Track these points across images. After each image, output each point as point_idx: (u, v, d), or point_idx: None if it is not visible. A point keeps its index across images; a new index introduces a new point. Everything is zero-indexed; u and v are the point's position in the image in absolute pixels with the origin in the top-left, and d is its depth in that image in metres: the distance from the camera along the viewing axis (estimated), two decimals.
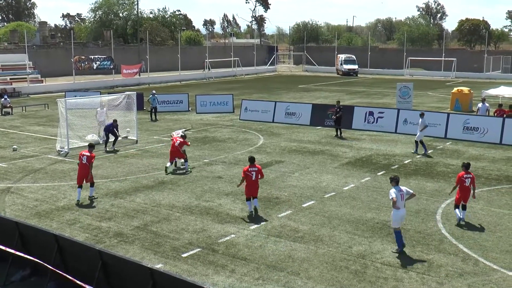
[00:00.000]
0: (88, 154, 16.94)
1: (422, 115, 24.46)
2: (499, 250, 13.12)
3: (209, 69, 71.48)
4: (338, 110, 28.30)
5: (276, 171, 20.94)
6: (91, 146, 17.34)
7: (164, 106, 37.79)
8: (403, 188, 13.17)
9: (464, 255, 12.84)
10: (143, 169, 21.35)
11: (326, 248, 13.23)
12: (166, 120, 34.12)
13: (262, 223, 14.95)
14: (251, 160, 15.62)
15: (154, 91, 36.23)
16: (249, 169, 15.42)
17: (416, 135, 24.24)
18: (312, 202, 16.94)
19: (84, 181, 16.98)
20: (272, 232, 14.30)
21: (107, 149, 24.57)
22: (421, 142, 24.00)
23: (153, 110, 34.46)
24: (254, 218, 15.33)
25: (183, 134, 21.54)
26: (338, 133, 28.20)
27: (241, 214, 15.68)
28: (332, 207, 16.44)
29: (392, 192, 12.85)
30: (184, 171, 20.69)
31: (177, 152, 20.49)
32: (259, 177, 15.49)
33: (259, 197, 15.81)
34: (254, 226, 14.70)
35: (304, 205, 16.61)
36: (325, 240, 13.75)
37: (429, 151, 24.45)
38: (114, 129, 24.58)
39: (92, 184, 17.18)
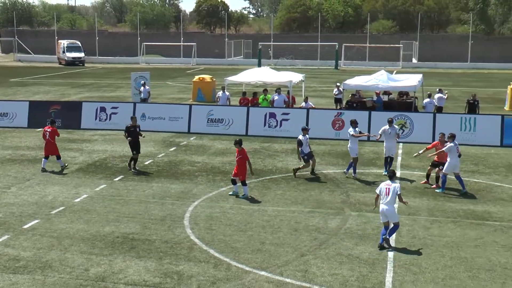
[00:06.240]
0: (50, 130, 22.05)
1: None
2: (250, 250, 14.27)
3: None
4: None
5: None
6: (52, 122, 22.56)
7: None
8: None
9: (216, 260, 13.66)
10: None
11: (57, 276, 12.82)
12: None
13: None
14: (236, 143, 18.66)
15: None
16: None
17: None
18: (36, 221, 16.28)
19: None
20: None
21: None
22: None
23: None
24: None
25: None
26: None
27: None
28: (61, 225, 16.00)
29: None
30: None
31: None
32: (242, 159, 18.47)
33: None
34: None
35: (26, 226, 15.86)
36: (55, 266, 13.31)
37: (172, 149, 25.41)
38: None
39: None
